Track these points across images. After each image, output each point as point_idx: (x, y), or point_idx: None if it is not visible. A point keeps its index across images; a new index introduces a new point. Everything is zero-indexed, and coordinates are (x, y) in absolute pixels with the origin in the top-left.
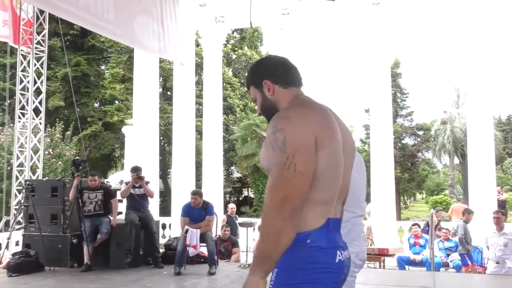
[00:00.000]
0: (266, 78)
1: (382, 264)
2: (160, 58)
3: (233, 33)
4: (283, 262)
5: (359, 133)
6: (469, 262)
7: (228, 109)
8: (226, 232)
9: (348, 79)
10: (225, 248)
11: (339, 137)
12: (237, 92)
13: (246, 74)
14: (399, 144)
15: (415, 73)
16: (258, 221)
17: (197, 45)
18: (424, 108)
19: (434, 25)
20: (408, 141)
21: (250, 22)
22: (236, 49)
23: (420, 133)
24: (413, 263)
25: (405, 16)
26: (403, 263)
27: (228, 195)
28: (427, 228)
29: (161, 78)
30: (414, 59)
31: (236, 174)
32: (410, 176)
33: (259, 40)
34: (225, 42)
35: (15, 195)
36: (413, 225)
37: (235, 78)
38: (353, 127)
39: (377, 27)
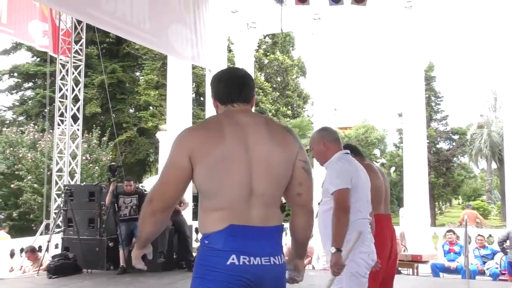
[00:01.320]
0: (213, 96)
1: (415, 270)
2: (192, 64)
3: (265, 38)
4: (195, 259)
5: (392, 138)
6: None
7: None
8: None
9: (380, 83)
10: None
11: (229, 149)
12: (269, 97)
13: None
14: (434, 149)
15: (450, 76)
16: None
17: (229, 50)
18: (460, 112)
19: (469, 27)
20: (443, 145)
21: (281, 28)
22: (268, 54)
23: (456, 137)
24: (447, 270)
25: (439, 18)
26: (437, 270)
27: None
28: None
29: (194, 84)
30: (449, 62)
31: None
32: (445, 181)
33: (291, 45)
34: (257, 47)
35: (55, 199)
36: (448, 231)
37: (267, 83)
38: (386, 131)
39: (410, 30)
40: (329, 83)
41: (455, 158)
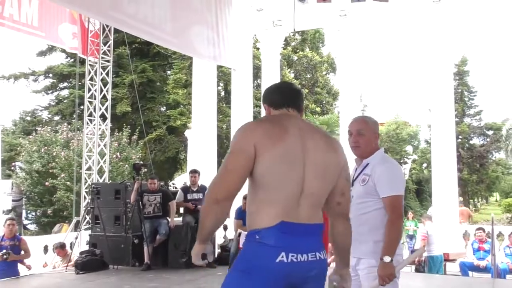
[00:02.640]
0: (265, 102)
1: (443, 269)
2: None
3: (294, 35)
4: (241, 252)
5: (424, 134)
6: None
7: None
8: None
9: (412, 78)
10: None
11: (293, 147)
12: None
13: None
14: (467, 145)
15: (484, 70)
16: None
17: (257, 48)
18: (494, 107)
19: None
20: (476, 141)
21: (294, 28)
22: (297, 50)
23: (490, 133)
24: (477, 269)
25: (471, 11)
26: (466, 268)
27: None
28: None
29: (222, 82)
30: (483, 56)
31: None
32: (479, 177)
33: (320, 41)
34: (286, 44)
35: (84, 197)
36: (477, 229)
37: (296, 80)
38: (419, 126)
39: (438, 25)
40: (358, 79)
41: (489, 154)
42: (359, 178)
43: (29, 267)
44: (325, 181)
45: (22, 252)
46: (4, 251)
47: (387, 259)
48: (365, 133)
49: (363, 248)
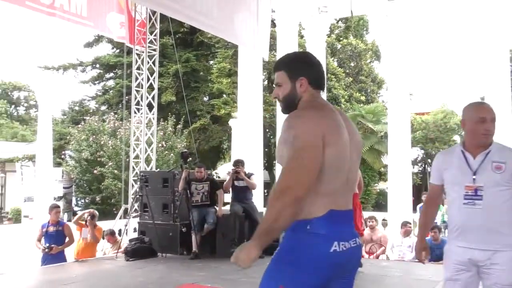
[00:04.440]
0: (305, 76)
1: None
2: None
3: (337, 22)
4: (284, 243)
5: None
6: None
7: (332, 100)
8: None
9: (460, 66)
10: None
11: (346, 137)
12: (342, 82)
13: (282, 58)
14: None
15: None
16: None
17: (301, 36)
18: None
19: None
20: None
21: (351, 11)
22: (341, 38)
23: None
24: None
25: None
26: None
27: None
28: None
29: (265, 71)
30: None
31: None
32: None
33: (364, 29)
34: (329, 32)
35: (132, 185)
36: None
37: (339, 69)
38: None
39: (491, 9)
40: (404, 67)
41: (498, 142)
42: (489, 166)
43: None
44: (358, 164)
45: (66, 239)
46: (47, 245)
47: None
48: (495, 121)
49: (504, 240)
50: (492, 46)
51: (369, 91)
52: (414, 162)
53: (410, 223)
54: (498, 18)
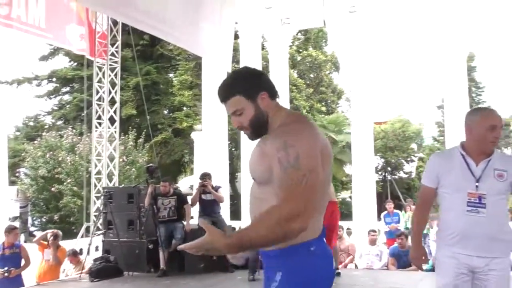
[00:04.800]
0: (264, 90)
1: None
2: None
3: (297, 34)
4: (288, 266)
5: (431, 131)
6: None
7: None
8: None
9: (416, 75)
10: None
11: (331, 155)
12: (303, 93)
13: (231, 82)
14: None
15: (491, 66)
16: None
17: (262, 48)
18: (502, 102)
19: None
20: None
21: (324, 20)
22: (301, 50)
23: None
24: None
25: (479, 6)
26: None
27: None
28: None
29: None
30: (491, 52)
31: None
32: None
33: (324, 40)
34: (290, 44)
35: (94, 202)
36: None
37: (300, 80)
38: (421, 125)
39: (448, 19)
40: (365, 77)
41: (499, 150)
42: (492, 174)
43: None
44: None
45: (23, 261)
46: (6, 268)
47: None
48: (502, 129)
49: (504, 247)
50: (450, 53)
51: (329, 101)
52: (375, 171)
53: (375, 231)
54: (455, 25)
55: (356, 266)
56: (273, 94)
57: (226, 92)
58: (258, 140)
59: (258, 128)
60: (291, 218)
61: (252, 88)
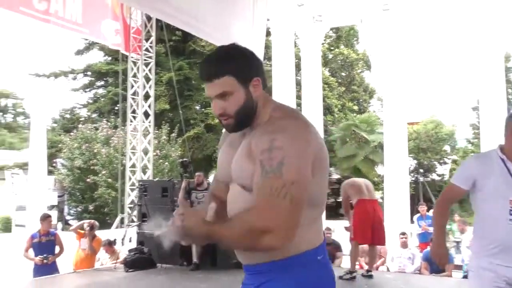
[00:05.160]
0: (258, 75)
1: None
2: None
3: (328, 32)
4: (298, 278)
5: (465, 133)
6: None
7: (325, 110)
8: (329, 235)
9: (450, 75)
10: (328, 252)
11: (327, 155)
12: (335, 92)
13: (221, 58)
14: None
15: None
16: None
17: (295, 45)
18: None
19: None
20: None
21: (361, 20)
22: (332, 48)
23: None
24: None
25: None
26: None
27: (327, 197)
28: None
29: None
30: None
31: (335, 176)
32: None
33: (355, 38)
34: (322, 42)
35: (128, 194)
36: None
37: (332, 78)
38: (455, 126)
39: (485, 18)
40: (398, 76)
41: None
42: None
43: None
44: None
45: (57, 248)
46: (45, 255)
47: None
48: None
49: None
50: (486, 52)
51: (361, 100)
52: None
53: (405, 234)
54: (492, 24)
55: (388, 268)
56: (265, 82)
57: (216, 68)
58: (234, 134)
59: (244, 119)
60: (263, 233)
61: (247, 71)
